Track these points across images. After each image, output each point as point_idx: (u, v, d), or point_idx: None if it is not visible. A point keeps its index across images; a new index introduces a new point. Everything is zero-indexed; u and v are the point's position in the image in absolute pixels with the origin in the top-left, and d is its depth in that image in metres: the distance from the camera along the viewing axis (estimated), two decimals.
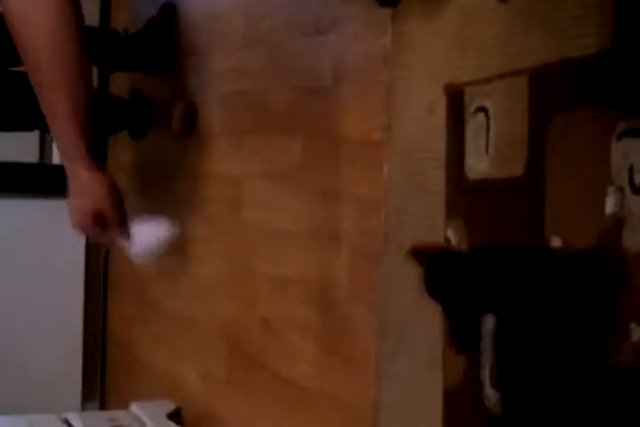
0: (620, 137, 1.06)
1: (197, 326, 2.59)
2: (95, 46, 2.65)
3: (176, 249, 2.78)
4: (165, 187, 2.86)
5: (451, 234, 1.39)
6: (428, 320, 1.44)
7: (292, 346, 2.01)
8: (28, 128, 2.85)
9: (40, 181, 3.34)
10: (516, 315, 0.89)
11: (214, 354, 2.46)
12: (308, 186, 1.96)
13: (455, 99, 1.38)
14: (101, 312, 3.50)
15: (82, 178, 1.49)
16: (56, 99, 1.43)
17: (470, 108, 1.34)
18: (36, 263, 3.30)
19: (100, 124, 2.77)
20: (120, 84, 3.21)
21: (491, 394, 1.02)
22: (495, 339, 0.88)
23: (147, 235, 1.59)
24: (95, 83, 3.24)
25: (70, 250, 3.37)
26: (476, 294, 0.94)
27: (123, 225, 1.56)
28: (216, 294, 2.45)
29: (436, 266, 1.02)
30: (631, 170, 1.04)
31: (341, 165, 1.83)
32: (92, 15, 3.22)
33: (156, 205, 2.93)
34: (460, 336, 0.95)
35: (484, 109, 1.31)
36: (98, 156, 1.52)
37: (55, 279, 3.34)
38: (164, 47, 2.76)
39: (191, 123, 2.61)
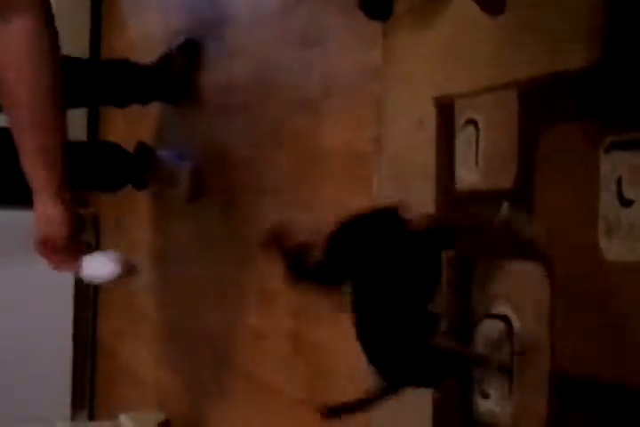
0: (608, 150, 1.07)
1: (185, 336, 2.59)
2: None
3: (165, 262, 2.80)
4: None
5: None
6: None
7: None
8: None
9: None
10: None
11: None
12: (296, 198, 1.96)
13: (445, 111, 1.39)
14: (91, 323, 3.49)
15: (43, 208, 1.62)
16: (28, 137, 1.55)
17: (460, 121, 1.35)
18: (25, 274, 3.28)
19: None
20: None
21: None
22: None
23: (95, 268, 1.75)
24: None
25: None
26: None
27: (74, 255, 1.72)
28: (204, 306, 2.46)
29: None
30: (619, 182, 1.05)
31: (330, 177, 1.83)
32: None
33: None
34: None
35: (473, 122, 1.32)
36: (66, 190, 1.63)
37: (45, 291, 3.32)
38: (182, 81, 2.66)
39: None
